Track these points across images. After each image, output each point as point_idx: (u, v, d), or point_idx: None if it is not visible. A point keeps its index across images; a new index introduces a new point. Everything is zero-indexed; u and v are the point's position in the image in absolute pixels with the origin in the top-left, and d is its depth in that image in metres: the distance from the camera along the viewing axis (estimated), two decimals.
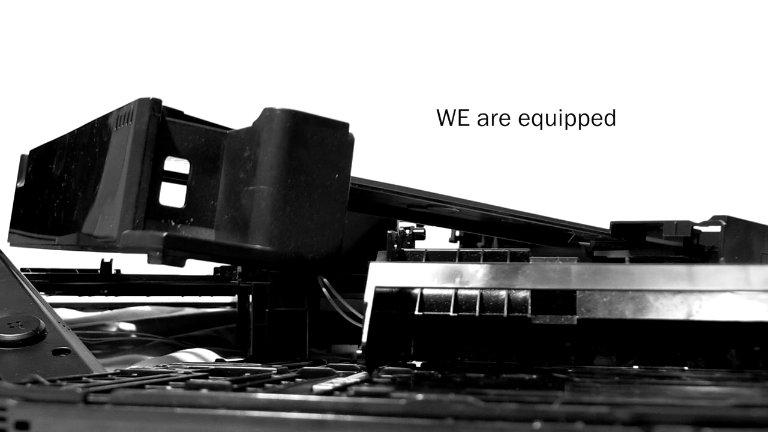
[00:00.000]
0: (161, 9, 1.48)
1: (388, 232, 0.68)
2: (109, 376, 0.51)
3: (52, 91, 1.42)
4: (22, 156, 0.86)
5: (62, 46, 1.45)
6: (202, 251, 0.58)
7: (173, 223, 0.60)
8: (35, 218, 0.79)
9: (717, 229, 0.74)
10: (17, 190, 0.86)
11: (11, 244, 0.84)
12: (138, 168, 0.58)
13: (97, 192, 0.64)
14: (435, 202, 0.75)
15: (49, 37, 1.46)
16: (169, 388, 0.45)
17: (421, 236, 0.74)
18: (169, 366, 0.61)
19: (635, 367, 0.60)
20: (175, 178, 0.63)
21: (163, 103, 0.60)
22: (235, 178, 0.60)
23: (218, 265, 1.05)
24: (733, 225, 0.75)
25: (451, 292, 0.61)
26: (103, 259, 1.01)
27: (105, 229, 0.61)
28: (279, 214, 0.57)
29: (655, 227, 0.74)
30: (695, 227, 0.74)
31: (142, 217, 0.58)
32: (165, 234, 0.54)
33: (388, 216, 0.85)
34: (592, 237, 0.80)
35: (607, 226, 0.76)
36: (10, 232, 0.85)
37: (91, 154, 0.67)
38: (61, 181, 0.73)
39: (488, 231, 0.92)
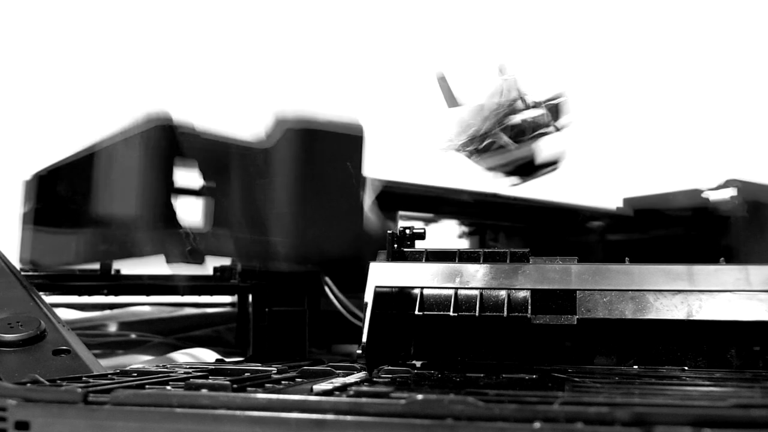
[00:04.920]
0: (160, 13, 1.48)
1: (388, 232, 0.68)
2: (109, 376, 0.51)
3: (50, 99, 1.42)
4: (25, 181, 0.85)
5: (64, 51, 1.45)
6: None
7: (192, 236, 0.60)
8: (49, 242, 0.79)
9: (727, 196, 0.74)
10: (24, 215, 0.85)
11: (23, 265, 0.84)
12: (156, 190, 0.59)
13: (113, 211, 0.64)
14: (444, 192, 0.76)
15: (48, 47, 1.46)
16: (169, 388, 0.45)
17: (421, 236, 0.74)
18: (169, 366, 0.61)
19: (635, 367, 0.60)
20: (191, 190, 0.63)
21: (171, 116, 0.60)
22: (250, 189, 0.60)
23: (218, 264, 1.05)
24: (746, 188, 0.75)
25: (451, 292, 0.61)
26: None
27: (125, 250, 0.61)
28: (298, 227, 0.58)
29: (666, 201, 0.74)
30: (706, 193, 0.73)
31: (161, 233, 0.58)
32: None
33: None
34: (602, 217, 0.80)
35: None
36: (21, 257, 0.85)
37: (102, 173, 0.67)
38: (76, 203, 0.73)
39: (502, 218, 0.92)
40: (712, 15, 1.42)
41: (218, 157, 0.62)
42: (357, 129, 0.61)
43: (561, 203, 0.80)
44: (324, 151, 0.59)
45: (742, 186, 0.74)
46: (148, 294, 1.08)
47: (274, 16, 1.47)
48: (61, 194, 0.79)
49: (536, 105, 0.82)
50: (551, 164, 0.82)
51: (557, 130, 0.82)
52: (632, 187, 0.81)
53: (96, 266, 1.02)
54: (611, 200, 0.79)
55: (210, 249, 0.60)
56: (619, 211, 0.75)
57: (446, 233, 1.01)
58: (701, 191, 0.73)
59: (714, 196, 0.73)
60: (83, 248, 0.72)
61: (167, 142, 0.59)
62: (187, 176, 0.62)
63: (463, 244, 1.00)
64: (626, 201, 0.75)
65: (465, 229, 1.05)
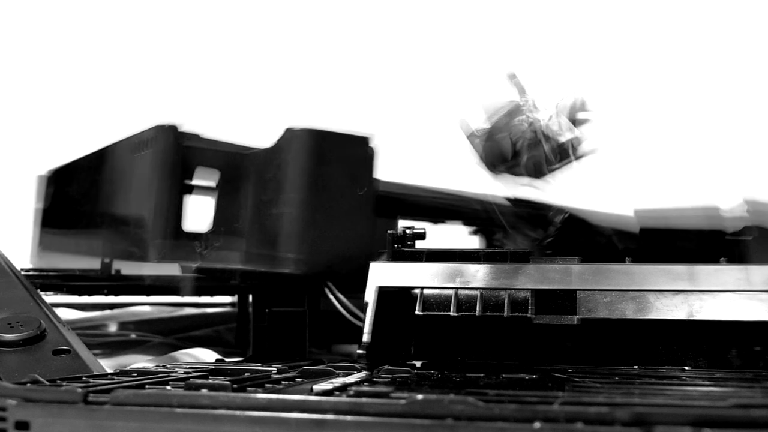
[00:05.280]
0: (166, 25, 1.48)
1: (389, 232, 0.68)
2: (109, 376, 0.51)
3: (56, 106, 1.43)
4: (40, 177, 0.85)
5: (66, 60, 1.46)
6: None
7: (199, 248, 0.60)
8: (58, 242, 0.79)
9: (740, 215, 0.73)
10: (37, 211, 0.86)
11: (34, 266, 0.84)
12: (162, 197, 0.59)
13: (121, 220, 0.64)
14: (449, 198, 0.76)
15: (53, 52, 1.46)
16: (169, 388, 0.45)
17: (422, 236, 0.74)
18: (169, 366, 0.61)
19: (635, 367, 0.60)
20: (200, 199, 0.64)
21: (180, 126, 0.61)
22: (259, 198, 0.61)
23: (218, 265, 1.05)
24: (760, 207, 0.74)
25: (452, 291, 0.61)
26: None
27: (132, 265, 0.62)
28: (306, 234, 0.58)
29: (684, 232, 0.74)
30: (720, 210, 0.73)
31: (169, 245, 0.59)
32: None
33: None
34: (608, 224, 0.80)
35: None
36: (35, 254, 0.85)
37: (112, 180, 0.67)
38: (82, 206, 0.73)
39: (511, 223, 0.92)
40: (727, 26, 1.42)
41: (223, 160, 0.62)
42: (366, 141, 0.62)
43: (564, 207, 0.80)
44: (328, 152, 0.59)
45: (756, 205, 0.74)
46: (148, 294, 1.08)
47: (277, 18, 1.48)
48: (64, 195, 0.79)
49: (541, 108, 0.82)
50: (556, 164, 0.81)
51: (561, 132, 0.82)
52: (639, 196, 0.80)
53: (96, 266, 1.02)
54: (617, 207, 0.79)
55: (214, 253, 0.60)
56: (624, 223, 0.75)
57: (449, 233, 1.01)
58: (714, 208, 0.73)
59: (727, 213, 0.73)
60: (89, 251, 0.72)
61: (174, 146, 0.59)
62: (193, 180, 0.62)
63: (467, 244, 1.00)
64: (636, 212, 0.75)
65: (469, 228, 1.05)
